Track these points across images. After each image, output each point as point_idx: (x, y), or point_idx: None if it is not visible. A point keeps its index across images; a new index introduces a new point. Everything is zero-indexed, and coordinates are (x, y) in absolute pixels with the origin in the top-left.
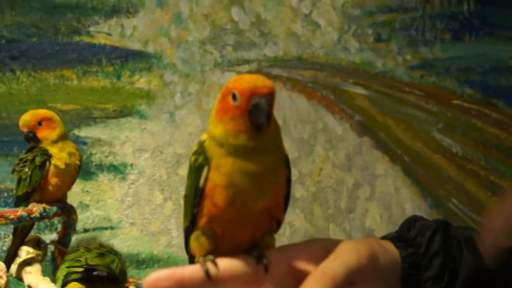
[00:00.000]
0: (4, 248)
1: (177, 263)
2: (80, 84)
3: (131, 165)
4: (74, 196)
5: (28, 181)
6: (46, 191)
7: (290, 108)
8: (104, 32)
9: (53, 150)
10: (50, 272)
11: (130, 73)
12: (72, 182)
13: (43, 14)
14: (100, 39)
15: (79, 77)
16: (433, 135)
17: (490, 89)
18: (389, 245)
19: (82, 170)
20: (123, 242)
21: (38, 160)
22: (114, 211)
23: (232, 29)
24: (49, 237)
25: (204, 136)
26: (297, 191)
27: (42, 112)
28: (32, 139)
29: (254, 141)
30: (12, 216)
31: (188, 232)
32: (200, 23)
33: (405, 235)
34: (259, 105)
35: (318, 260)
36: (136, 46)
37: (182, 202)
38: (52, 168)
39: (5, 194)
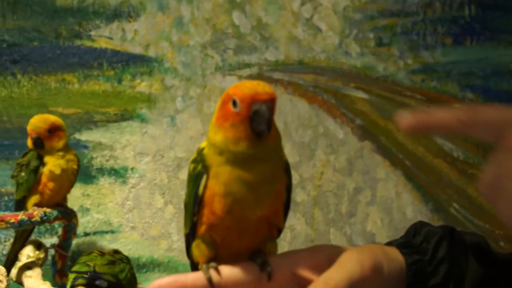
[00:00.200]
0: (5, 252)
1: (177, 267)
2: (81, 88)
3: (132, 169)
4: (74, 200)
5: (25, 185)
6: (44, 195)
7: (291, 112)
8: (106, 36)
9: (50, 156)
10: (51, 276)
11: (131, 77)
12: (71, 186)
13: (45, 18)
14: (101, 43)
15: (80, 81)
16: (434, 139)
17: (491, 93)
18: (395, 252)
19: (82, 174)
20: (124, 246)
21: (32, 165)
22: (114, 215)
23: (233, 33)
24: (49, 241)
25: (203, 144)
26: (298, 195)
27: (53, 119)
28: (39, 146)
29: (254, 149)
30: (13, 220)
31: (188, 239)
32: (201, 27)
33: (411, 241)
34: (260, 111)
35: (321, 268)
36: (137, 50)
37: (182, 206)
38: (47, 172)
39: (6, 198)
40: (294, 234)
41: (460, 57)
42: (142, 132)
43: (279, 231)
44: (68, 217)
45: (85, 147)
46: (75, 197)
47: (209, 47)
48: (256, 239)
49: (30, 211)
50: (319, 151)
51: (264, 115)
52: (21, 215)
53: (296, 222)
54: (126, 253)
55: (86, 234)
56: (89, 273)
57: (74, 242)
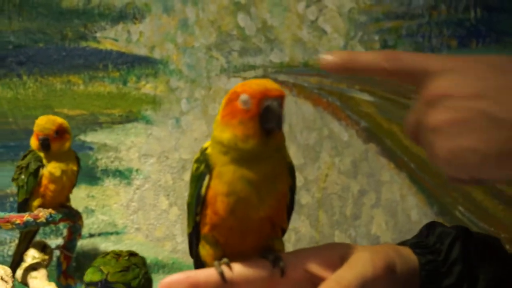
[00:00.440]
0: (10, 253)
1: (182, 269)
2: (86, 90)
3: (137, 170)
4: (79, 201)
5: (25, 188)
6: (46, 197)
7: (296, 114)
8: (111, 38)
9: (49, 157)
10: (55, 277)
11: (136, 78)
12: (72, 187)
13: (50, 20)
14: (107, 45)
15: (85, 83)
16: None
17: None
18: (408, 252)
19: (87, 175)
20: (128, 248)
21: (31, 167)
22: (119, 216)
23: (238, 35)
24: (54, 242)
25: (206, 144)
26: (302, 198)
27: (60, 121)
28: (46, 148)
29: (262, 147)
30: (18, 221)
31: (191, 238)
32: (206, 29)
33: (424, 241)
34: (271, 107)
35: (333, 266)
36: (142, 51)
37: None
38: (47, 174)
39: (11, 199)
40: (299, 236)
41: None
42: (147, 133)
43: (283, 231)
44: (74, 218)
45: (90, 148)
46: (80, 198)
47: (214, 49)
48: (259, 239)
49: (35, 212)
50: (324, 154)
51: (276, 112)
52: (26, 216)
53: (300, 224)
54: None
55: (91, 235)
56: (99, 284)
57: (79, 243)
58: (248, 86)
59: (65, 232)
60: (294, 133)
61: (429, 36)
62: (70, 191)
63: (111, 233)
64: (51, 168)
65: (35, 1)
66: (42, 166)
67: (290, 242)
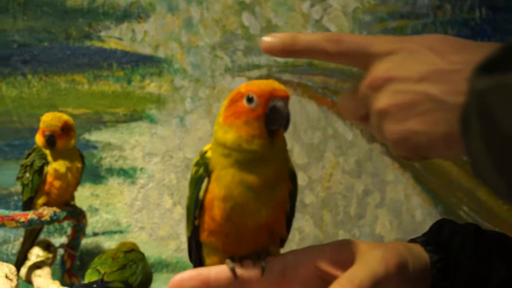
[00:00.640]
0: (14, 251)
1: (185, 268)
2: (90, 89)
3: (141, 169)
4: (84, 200)
5: (30, 186)
6: (51, 195)
7: (300, 113)
8: (115, 37)
9: (54, 155)
10: (60, 276)
11: (141, 77)
12: (77, 184)
13: (55, 19)
14: (111, 44)
15: (90, 82)
16: None
17: None
18: (419, 250)
19: (92, 174)
20: None
21: (36, 165)
22: (123, 215)
23: (243, 34)
24: (58, 240)
25: (206, 146)
26: (306, 197)
27: (66, 118)
28: (51, 144)
29: (266, 148)
30: (23, 219)
31: (190, 242)
32: (211, 28)
33: (435, 239)
34: (279, 107)
35: (345, 263)
36: (146, 51)
37: None
38: (52, 171)
39: (16, 198)
40: (303, 235)
41: None
42: (151, 132)
43: (283, 241)
44: (78, 217)
45: (95, 147)
46: (84, 197)
47: (218, 48)
48: (256, 247)
49: (40, 210)
50: (328, 153)
51: (283, 111)
52: (31, 214)
53: (304, 223)
54: None
55: (95, 234)
56: (95, 285)
57: (83, 242)
58: (256, 86)
59: (69, 230)
60: (298, 133)
61: None
62: (75, 189)
63: (115, 232)
64: (56, 165)
65: (39, 0)
66: (47, 163)
67: (294, 242)
